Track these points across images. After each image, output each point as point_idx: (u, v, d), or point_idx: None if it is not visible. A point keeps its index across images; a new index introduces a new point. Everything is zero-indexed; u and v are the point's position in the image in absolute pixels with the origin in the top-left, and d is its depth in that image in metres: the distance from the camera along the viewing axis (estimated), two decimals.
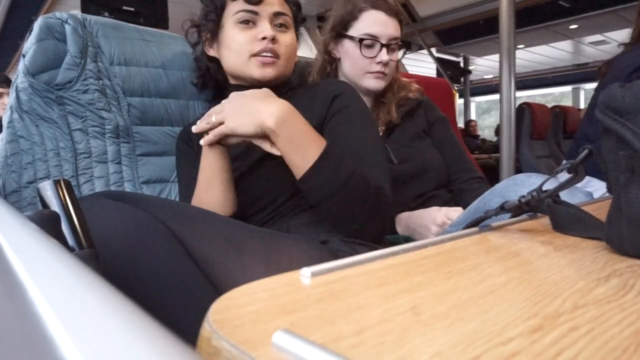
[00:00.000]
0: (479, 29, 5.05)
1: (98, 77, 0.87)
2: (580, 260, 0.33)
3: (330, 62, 1.09)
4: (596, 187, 1.35)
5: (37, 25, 0.83)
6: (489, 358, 0.18)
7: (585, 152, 0.40)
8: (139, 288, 0.47)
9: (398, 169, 1.00)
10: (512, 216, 0.47)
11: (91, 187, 0.85)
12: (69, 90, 0.84)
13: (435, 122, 1.12)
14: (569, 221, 0.41)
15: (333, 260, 0.29)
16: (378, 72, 1.03)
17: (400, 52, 1.08)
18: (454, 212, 0.88)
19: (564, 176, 0.42)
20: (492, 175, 2.00)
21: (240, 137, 0.67)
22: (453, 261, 0.32)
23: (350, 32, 1.04)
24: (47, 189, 0.37)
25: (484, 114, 11.16)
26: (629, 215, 0.33)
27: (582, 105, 8.39)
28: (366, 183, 0.67)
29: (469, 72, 6.93)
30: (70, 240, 0.36)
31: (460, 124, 6.56)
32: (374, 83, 1.04)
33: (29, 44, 0.83)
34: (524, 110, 2.84)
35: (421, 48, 4.97)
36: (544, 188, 0.43)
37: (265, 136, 0.66)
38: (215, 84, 0.93)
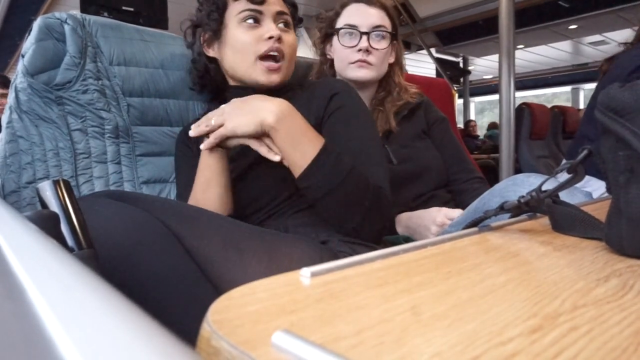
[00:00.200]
0: (478, 30, 5.05)
1: (97, 77, 0.87)
2: (579, 261, 0.33)
3: (326, 62, 1.11)
4: (595, 186, 1.35)
5: (36, 26, 0.83)
6: (488, 358, 0.18)
7: (585, 152, 0.40)
8: (139, 288, 0.47)
9: (398, 169, 1.00)
10: (512, 216, 0.47)
11: (90, 187, 0.85)
12: (69, 91, 0.84)
13: (435, 122, 1.12)
14: (568, 221, 0.41)
15: (333, 261, 0.29)
16: (360, 60, 1.02)
17: (386, 42, 1.04)
18: (454, 212, 0.88)
19: (563, 176, 0.42)
20: (492, 176, 2.00)
21: (241, 138, 0.67)
22: (452, 261, 0.32)
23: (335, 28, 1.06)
24: (46, 189, 0.37)
25: (478, 115, 11.21)
26: (629, 216, 0.33)
27: (582, 105, 8.40)
28: (365, 181, 0.67)
29: (469, 72, 6.94)
30: (70, 241, 0.36)
31: (460, 124, 6.57)
32: (357, 72, 1.03)
33: (28, 44, 0.82)
34: (524, 111, 2.84)
35: (420, 48, 4.98)
36: (544, 188, 0.43)
37: (264, 135, 0.66)
38: (214, 85, 0.93)
